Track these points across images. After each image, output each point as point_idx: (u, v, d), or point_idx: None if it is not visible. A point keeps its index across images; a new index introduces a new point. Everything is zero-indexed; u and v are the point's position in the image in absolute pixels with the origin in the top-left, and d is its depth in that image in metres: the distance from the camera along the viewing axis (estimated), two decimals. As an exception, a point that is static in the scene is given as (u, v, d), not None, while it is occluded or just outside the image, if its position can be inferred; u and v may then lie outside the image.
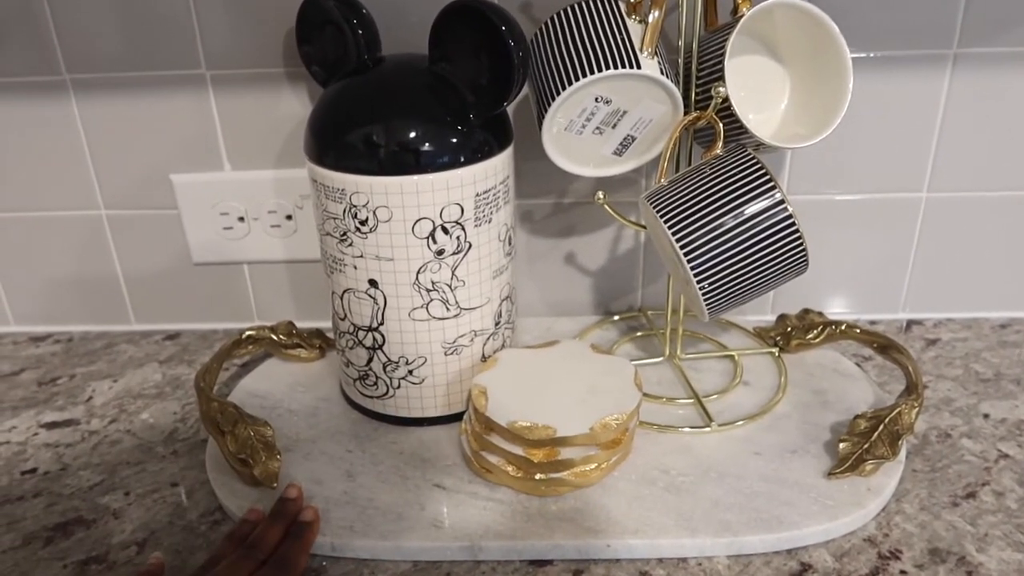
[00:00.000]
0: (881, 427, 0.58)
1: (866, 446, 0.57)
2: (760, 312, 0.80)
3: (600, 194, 0.63)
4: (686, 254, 0.55)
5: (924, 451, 0.62)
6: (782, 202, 0.54)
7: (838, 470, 0.57)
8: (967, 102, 0.71)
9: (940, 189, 0.75)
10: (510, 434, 0.54)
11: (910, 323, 0.80)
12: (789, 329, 0.72)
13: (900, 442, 0.57)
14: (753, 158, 0.55)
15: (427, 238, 0.57)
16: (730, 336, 0.75)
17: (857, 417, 0.60)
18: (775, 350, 0.71)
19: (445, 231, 0.57)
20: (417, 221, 0.56)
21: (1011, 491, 0.58)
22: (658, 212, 0.56)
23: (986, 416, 0.66)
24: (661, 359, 0.71)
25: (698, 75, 0.60)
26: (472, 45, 0.54)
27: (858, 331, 0.70)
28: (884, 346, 0.68)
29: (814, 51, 0.61)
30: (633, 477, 0.58)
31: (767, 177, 0.54)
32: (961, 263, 0.78)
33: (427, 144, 0.55)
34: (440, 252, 0.58)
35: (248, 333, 0.71)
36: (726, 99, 0.57)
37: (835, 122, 0.60)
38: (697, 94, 0.61)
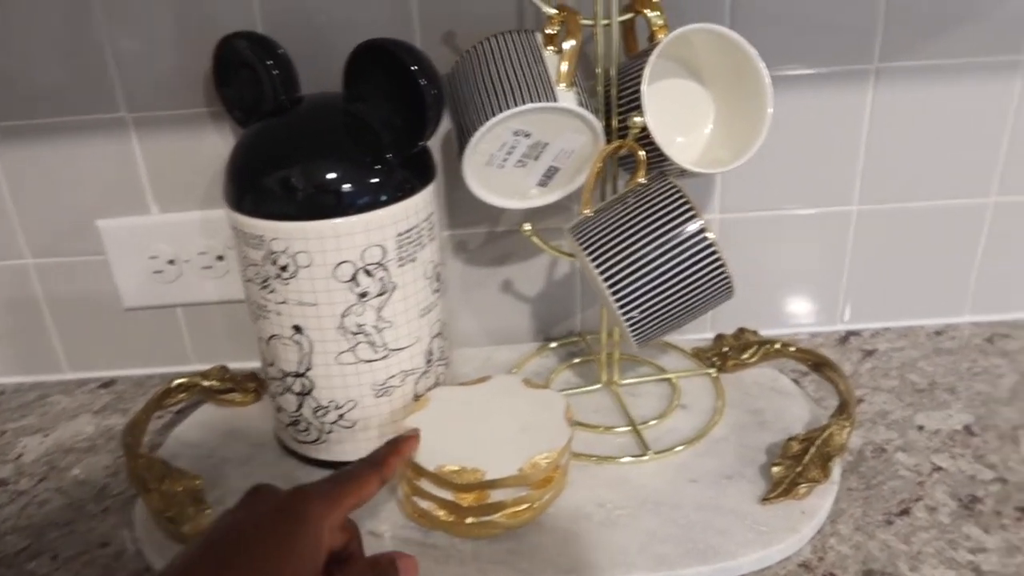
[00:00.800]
0: (813, 449, 0.58)
1: (799, 469, 0.57)
2: (700, 331, 0.80)
3: (527, 226, 0.63)
4: (609, 286, 0.55)
5: (860, 468, 0.62)
6: (703, 230, 0.54)
7: (772, 495, 0.57)
8: (891, 115, 0.72)
9: (870, 201, 0.75)
10: (439, 479, 0.53)
11: (848, 334, 0.81)
12: (726, 349, 0.72)
13: (831, 464, 0.57)
14: (673, 186, 0.55)
15: (350, 281, 0.56)
16: (669, 358, 0.75)
17: (790, 439, 0.60)
18: (713, 371, 0.71)
19: (368, 273, 0.56)
20: (338, 265, 0.55)
21: (944, 505, 0.58)
22: (581, 244, 0.56)
23: (920, 428, 0.66)
24: (599, 386, 0.71)
25: (619, 103, 0.60)
26: (385, 85, 0.54)
27: (792, 349, 0.70)
28: (817, 364, 0.68)
29: (736, 74, 0.62)
30: (568, 513, 0.57)
31: (687, 205, 0.54)
32: (895, 273, 0.79)
33: (344, 186, 0.55)
34: (364, 294, 0.57)
35: (177, 382, 0.70)
36: (644, 128, 0.56)
37: (756, 145, 0.60)
38: (619, 122, 0.60)
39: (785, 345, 0.71)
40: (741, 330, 0.75)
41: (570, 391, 0.70)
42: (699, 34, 0.59)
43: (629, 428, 0.65)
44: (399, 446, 0.52)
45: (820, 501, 0.57)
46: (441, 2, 0.66)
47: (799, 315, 0.81)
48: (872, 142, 0.73)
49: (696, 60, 0.64)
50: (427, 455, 0.54)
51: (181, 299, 0.77)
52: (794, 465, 0.58)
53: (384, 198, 0.56)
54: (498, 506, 0.53)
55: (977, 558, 0.54)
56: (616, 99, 0.60)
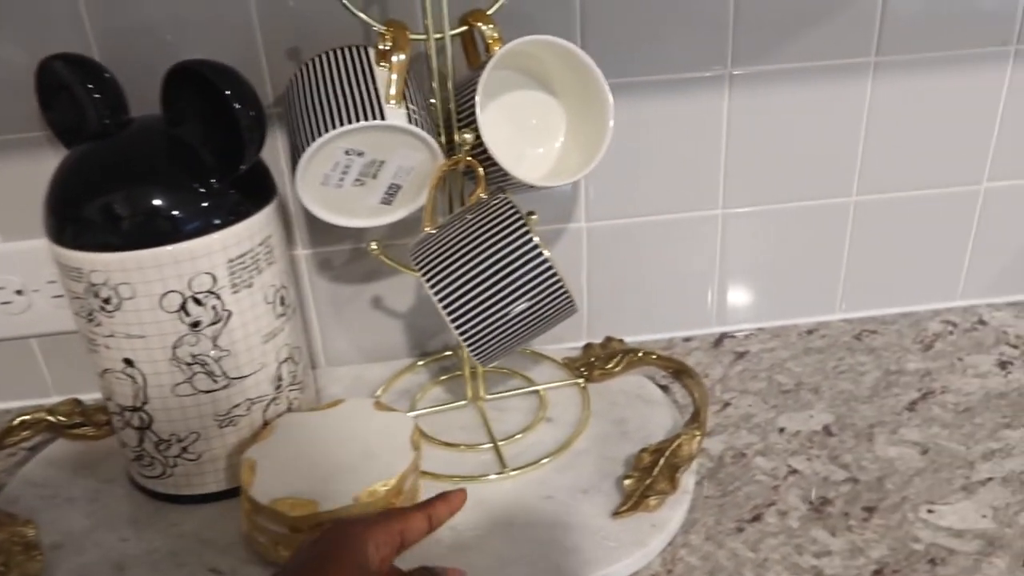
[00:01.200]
0: (662, 460, 0.58)
1: (648, 481, 0.57)
2: (575, 339, 0.80)
3: (373, 244, 0.61)
4: (445, 306, 0.53)
5: (718, 474, 0.62)
6: (536, 247, 0.53)
7: (622, 509, 0.56)
8: (747, 119, 0.72)
9: (734, 205, 0.76)
10: (273, 513, 0.51)
11: (723, 336, 0.81)
12: (593, 359, 0.72)
13: (679, 475, 0.57)
14: (507, 203, 0.54)
15: (179, 311, 0.54)
16: (540, 369, 0.75)
17: (642, 451, 0.59)
18: (581, 381, 0.71)
19: (198, 302, 0.54)
20: (164, 295, 0.53)
21: (794, 509, 0.59)
22: (417, 263, 0.55)
23: (781, 430, 0.67)
24: (465, 402, 0.70)
25: (458, 118, 0.59)
26: (202, 108, 0.52)
27: (654, 357, 0.70)
28: (678, 371, 0.68)
29: (582, 85, 0.61)
30: (416, 538, 0.56)
31: (520, 222, 0.53)
32: (768, 273, 0.80)
33: (165, 214, 0.53)
34: (196, 324, 0.55)
35: (20, 418, 0.67)
36: (479, 143, 0.55)
37: (598, 157, 0.59)
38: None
39: (647, 353, 0.70)
40: (608, 339, 0.75)
41: (436, 408, 0.69)
42: (541, 46, 0.58)
43: (491, 445, 0.64)
44: (448, 495, 0.49)
45: (671, 512, 0.57)
46: (285, 20, 0.64)
47: (676, 319, 0.81)
48: (731, 146, 0.73)
49: (546, 72, 0.63)
50: (262, 488, 0.53)
51: (33, 330, 0.74)
52: (644, 477, 0.58)
53: (211, 223, 0.54)
54: (337, 538, 0.52)
55: (821, 562, 0.54)
56: (455, 114, 0.59)
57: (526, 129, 0.64)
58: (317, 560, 0.40)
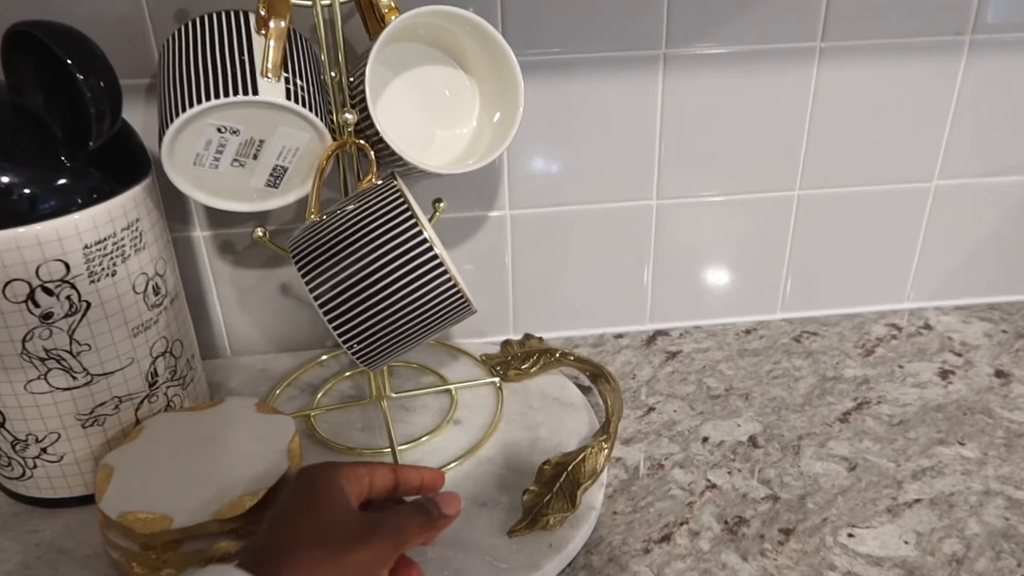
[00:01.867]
0: (564, 475, 0.53)
1: (547, 498, 0.52)
2: (501, 332, 0.75)
3: (259, 230, 0.56)
4: (322, 306, 0.48)
5: (631, 487, 0.58)
6: (424, 241, 0.48)
7: (518, 527, 0.52)
8: (683, 103, 0.67)
9: (670, 195, 0.71)
10: (122, 528, 0.46)
11: (656, 334, 0.76)
12: (510, 357, 0.67)
13: (579, 492, 0.52)
14: (394, 192, 0.49)
15: (25, 302, 0.48)
16: (457, 365, 0.70)
17: (544, 463, 0.55)
18: (496, 380, 0.66)
19: (49, 292, 0.49)
20: (7, 284, 0.48)
21: (707, 529, 0.54)
22: (294, 257, 0.49)
23: (705, 439, 0.63)
24: (368, 401, 0.65)
25: (351, 94, 0.53)
26: (46, 75, 0.46)
27: (572, 358, 0.65)
28: (595, 375, 0.63)
29: (493, 61, 0.56)
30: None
31: (407, 214, 0.48)
32: (703, 268, 0.75)
33: (5, 193, 0.47)
34: (48, 316, 0.49)
35: None
36: (370, 124, 0.50)
37: (507, 141, 0.54)
38: (359, 116, 0.54)
39: (564, 354, 0.66)
40: (527, 336, 0.70)
41: (336, 407, 0.64)
42: (445, 18, 0.53)
43: (389, 450, 0.60)
44: (424, 472, 0.48)
45: (572, 531, 0.53)
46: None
47: (608, 315, 0.76)
48: (665, 133, 0.68)
49: (459, 47, 0.57)
50: (114, 499, 0.48)
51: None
52: (544, 492, 0.53)
53: (64, 205, 0.48)
54: (197, 556, 0.47)
55: (727, 590, 0.50)
56: (349, 91, 0.53)
57: (438, 109, 0.59)
58: (297, 507, 0.41)
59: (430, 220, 0.60)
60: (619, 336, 0.76)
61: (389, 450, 0.59)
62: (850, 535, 0.54)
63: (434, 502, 0.45)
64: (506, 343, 0.70)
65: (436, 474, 0.49)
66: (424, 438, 0.61)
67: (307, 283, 0.48)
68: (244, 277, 0.70)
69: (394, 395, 0.65)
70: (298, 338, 0.73)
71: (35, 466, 0.54)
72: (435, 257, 0.48)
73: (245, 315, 0.72)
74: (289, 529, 0.40)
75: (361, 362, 0.50)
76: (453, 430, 0.62)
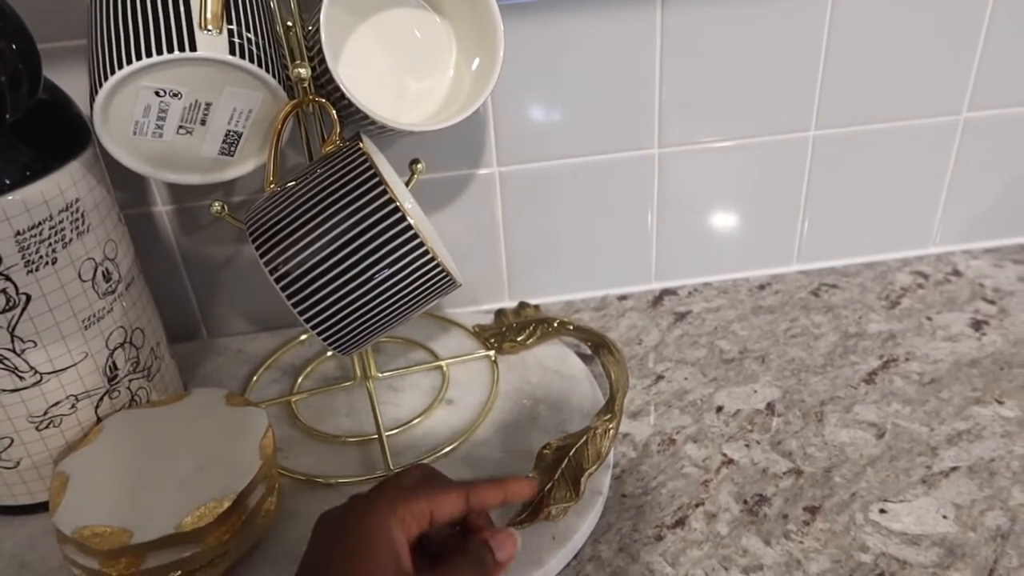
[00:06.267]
0: (567, 461, 0.49)
1: (548, 487, 0.48)
2: (496, 300, 0.70)
3: (217, 206, 0.50)
4: (283, 289, 0.43)
5: (641, 466, 0.53)
6: (397, 211, 0.42)
7: (519, 519, 0.47)
8: (685, 41, 0.60)
9: (673, 143, 0.65)
10: (79, 544, 0.42)
11: (663, 293, 0.71)
12: (504, 328, 0.62)
13: (583, 479, 0.48)
14: (360, 156, 0.43)
15: (-46, 298, 0.43)
16: (448, 338, 0.65)
17: (544, 448, 0.50)
18: (491, 354, 0.61)
19: (-20, 285, 0.44)
20: (-68, 279, 0.43)
21: (725, 510, 0.50)
22: (250, 234, 0.44)
23: (719, 409, 0.58)
24: (351, 382, 0.60)
25: (307, 45, 0.47)
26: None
27: (571, 327, 0.60)
28: (597, 345, 0.58)
29: (470, 2, 0.49)
30: (278, 555, 0.47)
31: (374, 179, 0.42)
32: (711, 220, 0.69)
33: (-80, 176, 0.41)
34: (-18, 312, 0.44)
35: None
36: (330, 79, 0.44)
37: (486, 93, 0.48)
38: (314, 72, 0.48)
39: (563, 323, 0.60)
40: (522, 304, 0.65)
41: (318, 390, 0.60)
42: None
43: (376, 436, 0.55)
44: (506, 483, 0.43)
45: (578, 521, 0.48)
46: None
47: (614, 275, 0.71)
48: (669, 74, 0.62)
49: (430, -16, 0.51)
50: (69, 513, 0.43)
51: None
52: (545, 480, 0.48)
53: (-13, 187, 0.42)
54: (161, 571, 0.43)
55: (749, 580, 0.46)
56: (305, 41, 0.47)
57: (409, 57, 0.53)
58: (335, 557, 0.36)
59: (407, 184, 0.54)
60: (623, 298, 0.71)
61: (376, 436, 0.55)
62: (882, 511, 0.49)
63: (488, 546, 0.40)
64: (500, 313, 0.64)
65: (523, 485, 0.44)
66: (415, 421, 0.57)
67: (265, 263, 0.43)
68: (215, 253, 0.65)
69: (380, 375, 0.60)
70: (277, 316, 0.68)
71: (-10, 473, 0.50)
72: (408, 228, 0.42)
73: (219, 294, 0.67)
74: None
75: (334, 348, 0.45)
76: (445, 410, 0.58)
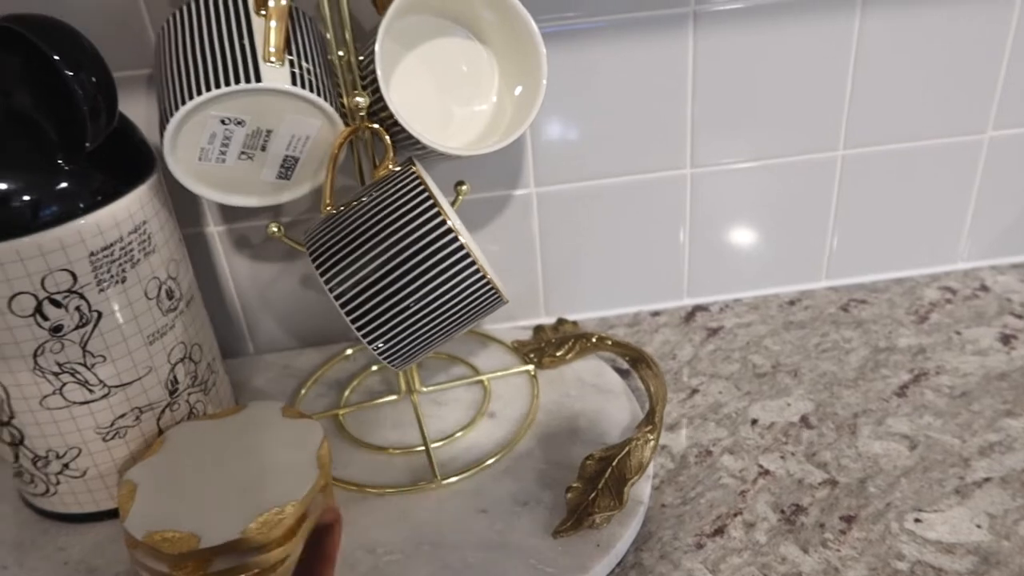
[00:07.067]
0: (609, 471, 0.50)
1: (592, 495, 0.50)
2: (532, 316, 0.72)
3: (274, 227, 0.53)
4: (343, 305, 0.45)
5: (679, 477, 0.55)
6: (448, 231, 0.45)
7: (563, 527, 0.49)
8: (716, 64, 0.63)
9: (705, 163, 0.67)
10: (150, 549, 0.44)
11: (695, 310, 0.73)
12: (543, 344, 0.64)
13: (626, 488, 0.49)
14: (414, 179, 0.46)
15: (33, 316, 0.46)
16: (488, 353, 0.67)
17: (587, 458, 0.52)
18: (531, 368, 0.63)
19: (56, 304, 0.46)
20: (13, 298, 0.45)
21: (763, 519, 0.51)
22: (310, 254, 0.46)
23: (754, 422, 0.59)
24: (396, 396, 0.62)
25: (361, 75, 0.50)
26: (35, 74, 0.43)
27: (609, 343, 0.62)
28: (635, 359, 0.60)
29: (512, 31, 0.52)
30: (328, 565, 0.49)
31: (428, 201, 0.45)
32: (742, 237, 0.71)
33: (3, 202, 0.44)
34: (57, 329, 0.47)
35: None
36: (383, 106, 0.47)
37: (531, 117, 0.51)
38: (370, 100, 0.50)
39: (602, 338, 0.62)
40: (560, 321, 0.67)
41: (365, 405, 0.62)
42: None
43: (423, 448, 0.57)
44: None
45: (620, 529, 0.50)
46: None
47: (647, 292, 0.72)
48: (701, 96, 0.64)
49: (475, 17, 0.54)
50: (138, 518, 0.45)
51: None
52: (589, 490, 0.50)
53: (65, 211, 0.45)
54: (228, 574, 0.45)
55: (789, 586, 0.47)
56: (358, 71, 0.50)
57: (455, 85, 0.55)
58: None
59: (453, 204, 0.57)
60: (656, 314, 0.73)
61: (423, 448, 0.57)
62: (917, 520, 0.50)
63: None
64: (539, 328, 0.66)
65: None
66: (458, 434, 0.59)
67: (325, 281, 0.45)
68: (263, 272, 0.68)
69: (425, 389, 0.62)
70: (322, 332, 0.71)
71: (58, 482, 0.52)
72: (461, 247, 0.45)
73: (266, 311, 0.69)
74: None
75: (388, 362, 0.48)
76: (488, 424, 0.59)
